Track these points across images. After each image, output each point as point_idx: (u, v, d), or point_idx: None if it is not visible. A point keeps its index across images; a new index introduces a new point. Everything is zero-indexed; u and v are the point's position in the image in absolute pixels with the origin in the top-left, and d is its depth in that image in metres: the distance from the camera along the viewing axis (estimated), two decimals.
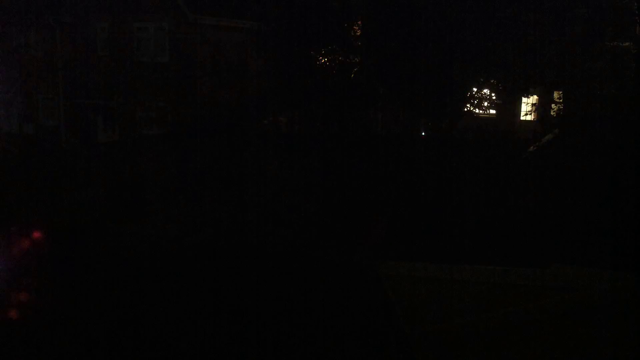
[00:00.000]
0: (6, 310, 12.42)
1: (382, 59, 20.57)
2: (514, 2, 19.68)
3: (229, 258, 15.46)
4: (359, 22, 22.50)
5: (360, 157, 20.93)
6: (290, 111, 24.73)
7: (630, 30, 18.95)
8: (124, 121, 28.33)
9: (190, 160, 22.33)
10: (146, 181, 20.18)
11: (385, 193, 19.32)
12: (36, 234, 15.31)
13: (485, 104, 22.30)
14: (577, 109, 19.33)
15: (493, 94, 22.30)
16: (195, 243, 16.72)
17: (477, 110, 22.77)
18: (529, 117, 26.72)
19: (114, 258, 15.03)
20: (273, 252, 15.51)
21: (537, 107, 23.86)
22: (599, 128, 17.84)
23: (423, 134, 23.25)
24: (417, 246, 15.19)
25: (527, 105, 27.19)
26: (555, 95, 21.94)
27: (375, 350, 9.25)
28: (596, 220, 15.04)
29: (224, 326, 11.76)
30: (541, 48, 19.57)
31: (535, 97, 25.87)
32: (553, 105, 21.37)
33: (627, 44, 19.07)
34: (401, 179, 19.86)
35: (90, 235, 16.02)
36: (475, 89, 21.46)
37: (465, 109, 21.95)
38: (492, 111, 27.19)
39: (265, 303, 12.66)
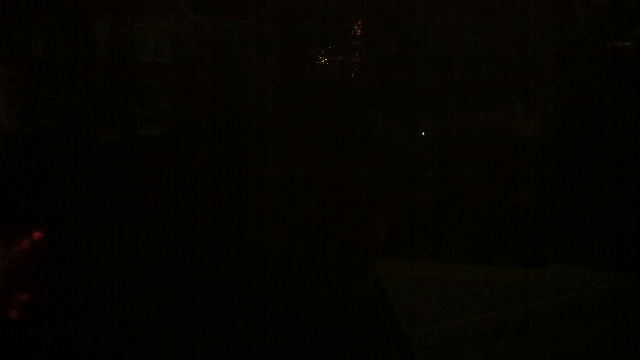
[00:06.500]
0: (6, 310, 12.41)
1: (382, 59, 20.55)
2: (515, 2, 19.66)
3: (229, 258, 15.43)
4: (359, 22, 22.49)
5: (360, 157, 20.90)
6: (291, 111, 24.71)
7: (630, 30, 18.94)
8: (124, 121, 28.28)
9: (191, 160, 22.29)
10: (146, 181, 20.15)
11: (385, 193, 19.30)
12: (36, 234, 15.29)
13: (486, 103, 22.27)
14: (577, 109, 19.32)
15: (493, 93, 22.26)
16: (195, 243, 16.69)
17: (477, 110, 22.72)
18: (528, 117, 26.68)
19: (113, 258, 15.01)
20: (273, 252, 15.50)
21: (537, 107, 23.84)
22: (599, 128, 17.82)
23: (423, 133, 23.23)
24: (417, 246, 15.17)
25: (527, 105, 27.16)
26: (556, 95, 21.92)
27: (376, 351, 9.24)
28: (596, 220, 15.02)
29: (224, 326, 11.75)
30: (541, 48, 19.55)
31: (536, 97, 25.84)
32: (553, 106, 21.35)
33: (627, 44, 19.06)
34: (401, 178, 19.83)
35: (90, 235, 16.00)
36: (475, 89, 21.42)
37: (465, 109, 21.92)
38: (493, 111, 27.15)
39: (265, 303, 12.64)
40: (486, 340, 5.70)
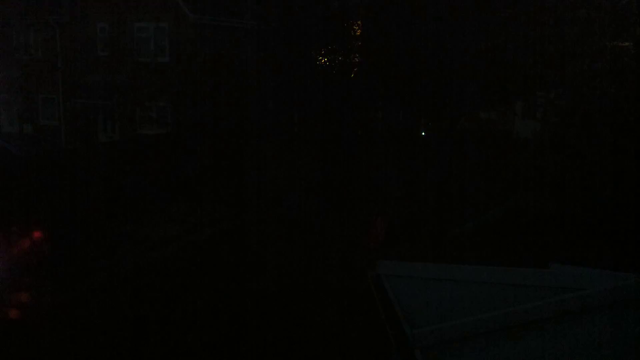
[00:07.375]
0: (6, 310, 12.42)
1: (382, 59, 20.56)
2: (515, 2, 19.67)
3: (229, 258, 15.45)
4: (359, 22, 22.49)
5: (360, 158, 20.92)
6: (291, 111, 24.73)
7: (630, 30, 18.94)
8: (124, 121, 28.31)
9: (190, 160, 22.31)
10: (146, 181, 20.17)
11: (385, 193, 19.32)
12: (36, 234, 15.29)
13: (485, 103, 22.28)
14: (577, 109, 19.32)
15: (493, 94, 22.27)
16: (195, 243, 16.71)
17: (476, 110, 22.74)
18: (528, 117, 26.70)
19: (113, 258, 15.02)
20: (273, 253, 15.52)
21: (537, 107, 23.86)
22: (599, 128, 17.83)
23: (423, 133, 23.23)
24: (417, 246, 15.19)
25: (527, 105, 27.18)
26: (555, 95, 21.93)
27: (376, 350, 9.25)
28: (596, 220, 15.04)
29: (224, 327, 11.76)
30: (541, 48, 19.55)
31: (536, 97, 25.85)
32: (553, 106, 21.36)
33: (627, 44, 19.06)
34: (401, 179, 19.86)
35: (90, 235, 16.01)
36: (475, 89, 21.43)
37: (465, 109, 21.93)
38: (493, 111, 27.16)
39: (265, 303, 12.66)
40: (486, 340, 5.70)
